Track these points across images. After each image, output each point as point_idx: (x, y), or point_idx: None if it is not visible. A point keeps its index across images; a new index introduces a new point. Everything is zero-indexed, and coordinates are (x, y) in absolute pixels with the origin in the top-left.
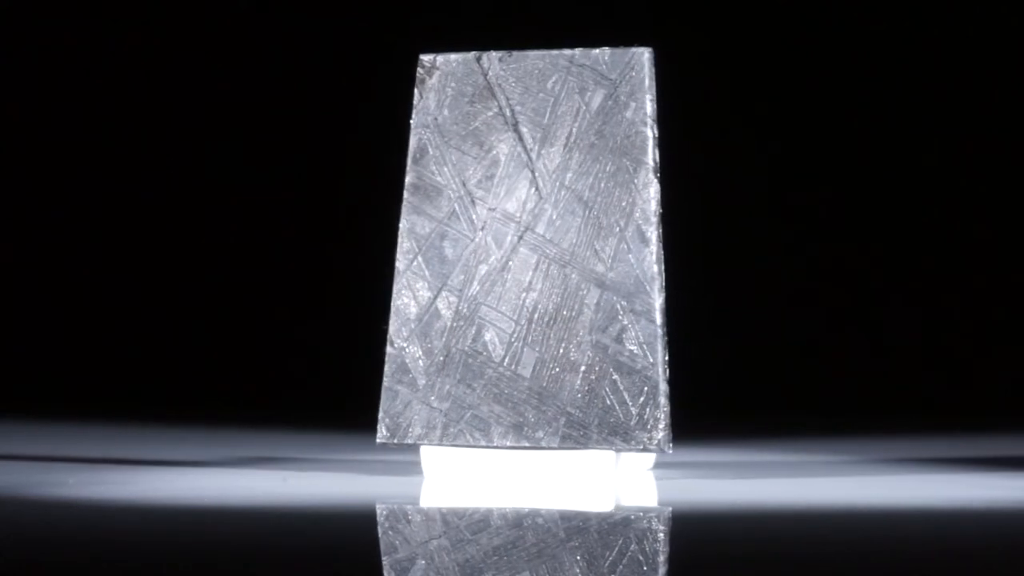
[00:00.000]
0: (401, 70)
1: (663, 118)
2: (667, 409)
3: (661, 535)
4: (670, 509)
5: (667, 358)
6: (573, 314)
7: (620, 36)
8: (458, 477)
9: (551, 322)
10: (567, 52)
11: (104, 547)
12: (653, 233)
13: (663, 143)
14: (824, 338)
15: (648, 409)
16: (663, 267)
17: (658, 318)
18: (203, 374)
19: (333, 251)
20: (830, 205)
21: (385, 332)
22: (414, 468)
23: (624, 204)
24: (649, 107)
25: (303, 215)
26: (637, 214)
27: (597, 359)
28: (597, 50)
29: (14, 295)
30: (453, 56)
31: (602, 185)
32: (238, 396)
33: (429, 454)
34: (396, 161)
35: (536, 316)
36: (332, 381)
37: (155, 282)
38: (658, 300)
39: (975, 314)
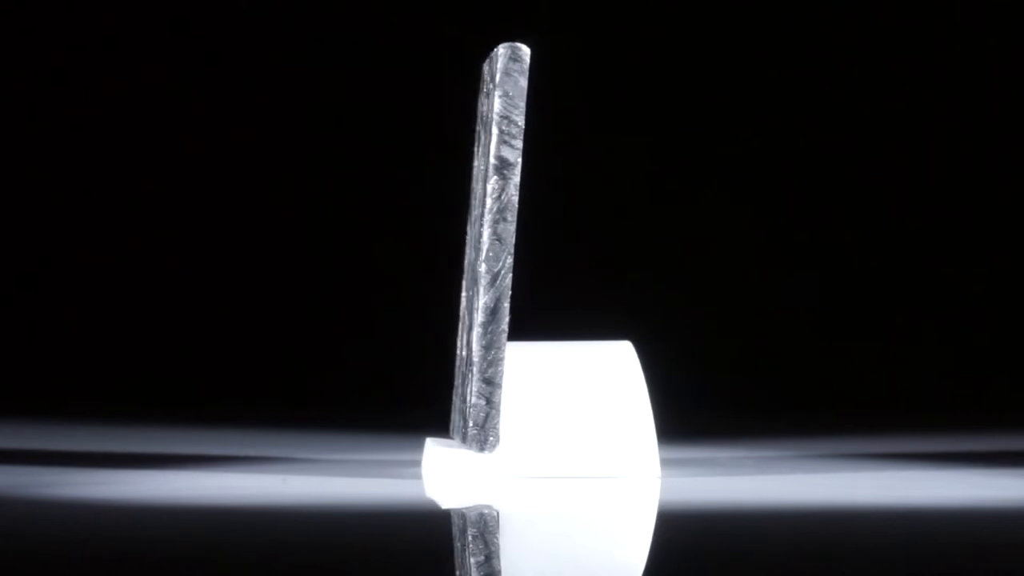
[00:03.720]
0: (462, 65)
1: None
2: (474, 409)
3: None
4: (456, 512)
5: (481, 354)
6: (465, 311)
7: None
8: (429, 474)
9: (462, 319)
10: (492, 53)
11: (104, 547)
12: (477, 230)
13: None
14: (818, 335)
15: (457, 408)
16: (498, 264)
17: (459, 312)
18: (205, 373)
19: (336, 243)
20: (824, 203)
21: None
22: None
23: (475, 202)
24: (489, 104)
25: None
26: (476, 212)
27: (459, 356)
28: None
29: (22, 292)
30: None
31: (475, 184)
32: (241, 396)
33: (428, 450)
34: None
35: (464, 314)
36: (334, 381)
37: (157, 282)
38: (467, 295)
39: (973, 311)
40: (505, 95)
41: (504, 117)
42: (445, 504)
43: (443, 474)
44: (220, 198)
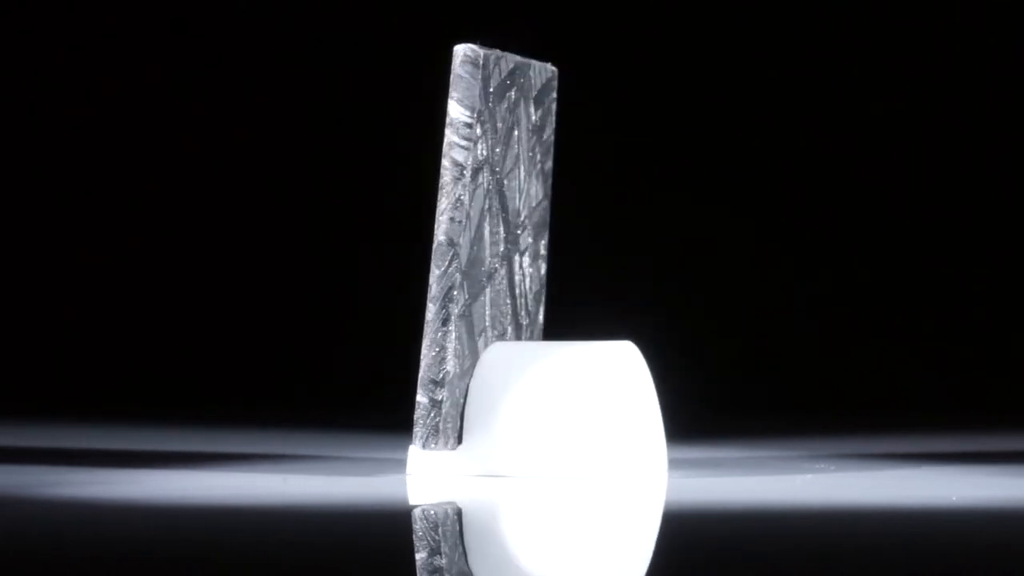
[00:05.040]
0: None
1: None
2: (418, 408)
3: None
4: (411, 509)
5: (425, 352)
6: None
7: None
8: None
9: None
10: None
11: (104, 547)
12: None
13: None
14: (818, 334)
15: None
16: (444, 262)
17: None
18: (205, 373)
19: (335, 243)
20: (821, 199)
21: None
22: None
23: None
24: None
25: (318, 213)
26: None
27: None
28: None
29: (25, 290)
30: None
31: None
32: (241, 396)
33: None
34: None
35: None
36: (335, 380)
37: (157, 282)
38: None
39: (974, 309)
40: (457, 97)
41: (456, 119)
42: (411, 499)
43: (409, 471)
44: (220, 198)
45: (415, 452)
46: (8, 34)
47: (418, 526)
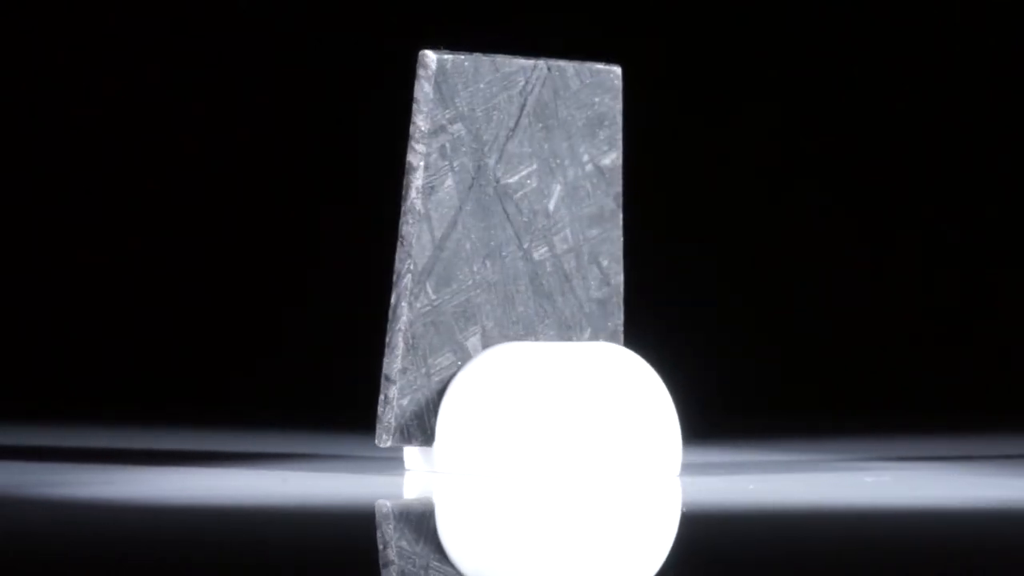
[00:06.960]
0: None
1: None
2: (379, 405)
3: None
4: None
5: (386, 351)
6: None
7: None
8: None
9: None
10: None
11: (104, 547)
12: None
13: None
14: (818, 336)
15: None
16: (401, 264)
17: None
18: (205, 373)
19: (336, 243)
20: (830, 196)
21: None
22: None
23: None
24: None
25: (301, 206)
26: None
27: None
28: None
29: (25, 290)
30: None
31: None
32: (241, 396)
33: None
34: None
35: None
36: (336, 379)
37: (157, 282)
38: None
39: (974, 309)
40: (415, 101)
41: (414, 123)
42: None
43: (407, 467)
44: (220, 198)
45: (412, 451)
46: (8, 34)
47: (416, 526)
